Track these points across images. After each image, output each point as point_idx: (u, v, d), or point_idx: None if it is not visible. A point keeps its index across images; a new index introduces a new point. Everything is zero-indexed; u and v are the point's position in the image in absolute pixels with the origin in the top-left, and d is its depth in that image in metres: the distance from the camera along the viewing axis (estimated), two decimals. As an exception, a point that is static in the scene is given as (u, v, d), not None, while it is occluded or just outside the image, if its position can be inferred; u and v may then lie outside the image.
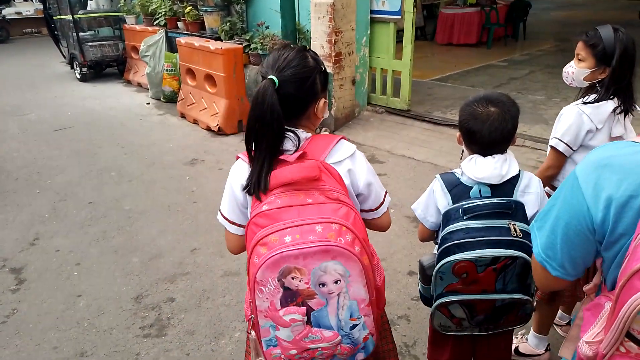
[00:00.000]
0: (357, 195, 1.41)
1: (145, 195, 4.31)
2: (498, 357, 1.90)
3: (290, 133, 1.31)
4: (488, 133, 1.54)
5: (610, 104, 1.98)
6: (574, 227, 1.01)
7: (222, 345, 2.56)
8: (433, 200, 1.66)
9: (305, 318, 1.24)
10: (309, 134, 1.36)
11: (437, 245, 1.74)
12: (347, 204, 1.24)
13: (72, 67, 9.17)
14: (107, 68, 9.28)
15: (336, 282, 1.19)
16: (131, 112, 6.95)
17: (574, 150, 2.07)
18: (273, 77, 1.26)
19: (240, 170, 1.37)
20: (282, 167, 1.26)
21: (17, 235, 3.68)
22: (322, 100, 1.38)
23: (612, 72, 1.92)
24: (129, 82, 8.66)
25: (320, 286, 1.20)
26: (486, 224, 1.47)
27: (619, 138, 2.03)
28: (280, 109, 1.23)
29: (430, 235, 1.78)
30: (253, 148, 1.29)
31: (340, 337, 1.27)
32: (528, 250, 1.46)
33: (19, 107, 7.24)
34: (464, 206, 1.51)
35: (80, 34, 8.49)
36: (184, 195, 4.30)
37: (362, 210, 1.46)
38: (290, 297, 1.21)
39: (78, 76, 8.83)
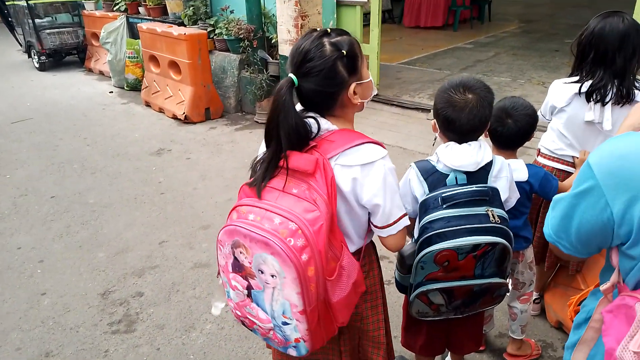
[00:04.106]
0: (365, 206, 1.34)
1: (110, 188, 4.18)
2: (471, 335, 1.92)
3: (312, 120, 1.28)
4: (467, 121, 1.50)
5: (576, 86, 1.98)
6: (589, 218, 0.96)
7: (193, 338, 2.52)
8: (409, 189, 1.63)
9: (246, 292, 1.30)
10: (334, 127, 1.31)
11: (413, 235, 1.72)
12: (320, 210, 1.20)
13: (29, 56, 8.77)
14: (67, 56, 8.91)
15: (272, 276, 1.21)
16: (93, 101, 6.71)
17: (547, 119, 2.19)
18: (292, 75, 1.25)
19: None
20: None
21: (-25, 234, 3.53)
22: (353, 84, 1.30)
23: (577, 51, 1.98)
24: (90, 71, 8.35)
25: (260, 272, 1.23)
26: (466, 212, 1.46)
27: (591, 124, 2.01)
28: (293, 109, 1.23)
29: (414, 223, 1.72)
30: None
31: (272, 325, 1.29)
32: (506, 235, 1.48)
33: (-28, 98, 6.91)
34: (443, 195, 1.48)
35: (37, 20, 8.10)
36: (150, 186, 4.19)
37: (370, 221, 1.40)
38: (238, 267, 1.28)
39: (37, 65, 8.46)
